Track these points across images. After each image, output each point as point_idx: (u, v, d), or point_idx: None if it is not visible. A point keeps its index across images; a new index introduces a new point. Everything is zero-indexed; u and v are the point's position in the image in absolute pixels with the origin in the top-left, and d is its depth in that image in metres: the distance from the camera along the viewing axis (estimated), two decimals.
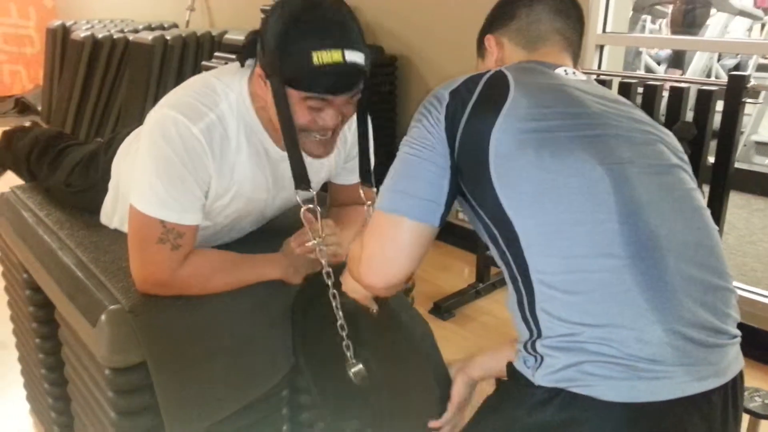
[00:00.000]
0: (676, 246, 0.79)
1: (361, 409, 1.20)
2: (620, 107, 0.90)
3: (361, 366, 1.12)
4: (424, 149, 0.86)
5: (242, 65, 1.14)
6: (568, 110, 0.85)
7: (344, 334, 1.09)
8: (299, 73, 1.01)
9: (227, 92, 1.11)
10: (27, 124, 1.82)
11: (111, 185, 1.35)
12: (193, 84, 1.14)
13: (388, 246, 0.86)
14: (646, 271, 0.76)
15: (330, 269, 1.10)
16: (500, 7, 1.05)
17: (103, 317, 1.08)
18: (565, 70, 0.94)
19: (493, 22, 1.05)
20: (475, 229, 0.89)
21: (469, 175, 0.85)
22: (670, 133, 0.92)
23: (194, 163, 1.07)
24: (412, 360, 1.03)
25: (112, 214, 1.36)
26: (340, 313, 1.09)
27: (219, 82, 1.12)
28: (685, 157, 0.91)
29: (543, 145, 0.81)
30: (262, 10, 3.42)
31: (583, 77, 0.96)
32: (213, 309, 1.16)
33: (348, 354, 1.10)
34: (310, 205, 1.12)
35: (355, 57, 1.02)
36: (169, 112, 1.07)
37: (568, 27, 1.01)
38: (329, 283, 1.09)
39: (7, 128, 1.75)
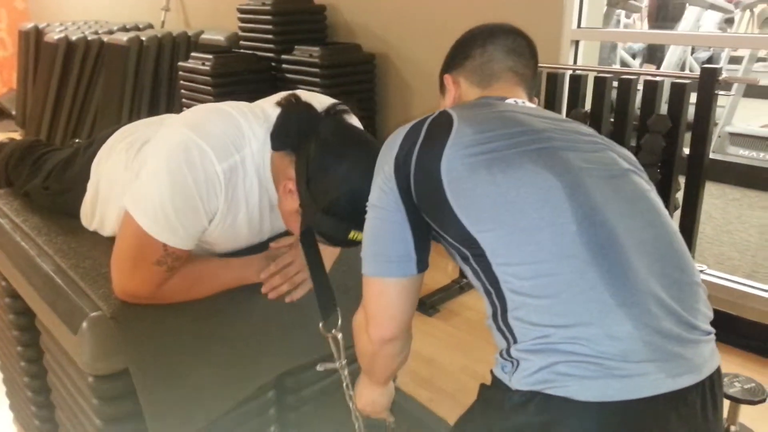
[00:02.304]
0: (635, 243, 0.81)
1: None
2: (567, 124, 0.95)
3: None
4: (380, 210, 0.92)
5: (274, 149, 1.12)
6: (512, 130, 0.89)
7: None
8: (330, 236, 1.08)
9: (251, 140, 1.10)
10: (2, 139, 1.78)
11: (90, 185, 1.33)
12: (219, 115, 1.11)
13: (381, 304, 0.95)
14: (609, 268, 0.78)
15: (351, 392, 1.17)
16: (457, 47, 1.10)
17: (84, 324, 1.07)
18: (515, 101, 1.00)
19: (451, 62, 1.10)
20: (450, 256, 0.93)
21: (429, 208, 0.88)
22: (622, 147, 0.96)
23: (209, 197, 1.07)
24: None
25: (92, 215, 1.34)
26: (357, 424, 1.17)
27: (247, 126, 1.11)
28: (638, 165, 0.94)
29: (492, 164, 0.84)
30: (239, 10, 3.40)
31: (533, 105, 1.02)
32: (195, 314, 1.16)
33: None
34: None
35: None
36: (195, 138, 1.05)
37: (521, 64, 1.06)
38: (351, 405, 1.18)
39: None
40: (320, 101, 1.18)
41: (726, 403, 1.28)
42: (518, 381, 0.78)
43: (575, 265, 0.78)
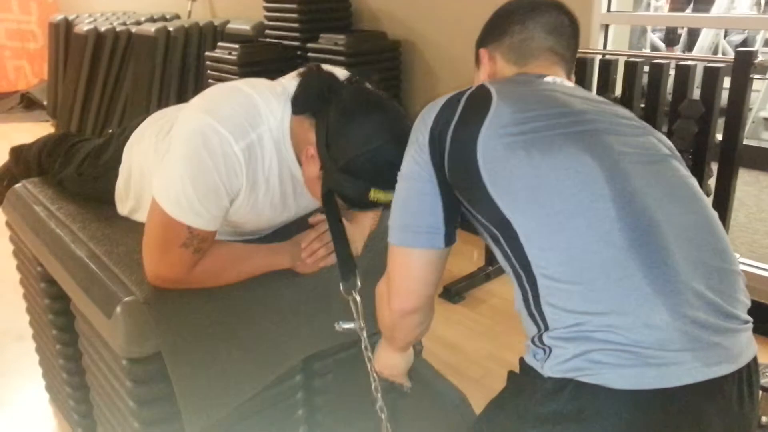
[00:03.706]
0: (675, 231, 0.79)
1: None
2: (606, 106, 0.92)
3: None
4: (412, 180, 0.91)
5: (295, 113, 1.13)
6: (552, 111, 0.86)
7: (383, 416, 1.15)
8: (350, 197, 1.07)
9: (269, 117, 1.11)
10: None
11: (122, 169, 1.36)
12: (234, 95, 1.12)
13: (405, 275, 0.94)
14: (647, 256, 0.76)
15: (368, 342, 1.15)
16: (494, 21, 1.06)
17: (118, 309, 1.09)
18: (554, 79, 0.96)
19: (487, 35, 1.06)
20: (480, 235, 0.91)
21: (463, 187, 0.87)
22: (659, 132, 0.93)
23: (230, 180, 1.08)
24: (447, 427, 1.05)
25: (126, 198, 1.37)
26: (379, 395, 1.15)
27: (263, 103, 1.11)
28: (676, 151, 0.92)
29: (531, 145, 0.82)
30: (265, 8, 3.40)
31: (571, 84, 0.98)
32: (226, 299, 1.18)
33: (382, 416, 1.15)
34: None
35: None
36: (212, 122, 1.06)
37: (561, 44, 1.01)
38: (369, 368, 1.16)
39: (13, 145, 1.76)
40: (341, 72, 1.19)
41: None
42: (551, 368, 0.77)
43: (612, 251, 0.76)
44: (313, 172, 1.10)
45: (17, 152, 1.74)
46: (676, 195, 0.83)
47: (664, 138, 0.93)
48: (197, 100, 1.14)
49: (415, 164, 0.90)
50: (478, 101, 0.87)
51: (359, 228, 1.31)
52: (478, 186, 0.83)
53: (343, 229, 1.15)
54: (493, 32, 1.04)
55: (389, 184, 0.98)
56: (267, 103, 1.12)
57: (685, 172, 0.88)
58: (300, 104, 1.11)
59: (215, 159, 1.06)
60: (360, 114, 1.06)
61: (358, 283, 1.17)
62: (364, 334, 1.18)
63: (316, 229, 1.25)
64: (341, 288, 1.17)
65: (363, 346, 1.18)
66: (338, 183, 1.06)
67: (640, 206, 0.79)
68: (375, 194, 1.04)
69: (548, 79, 0.96)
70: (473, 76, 1.09)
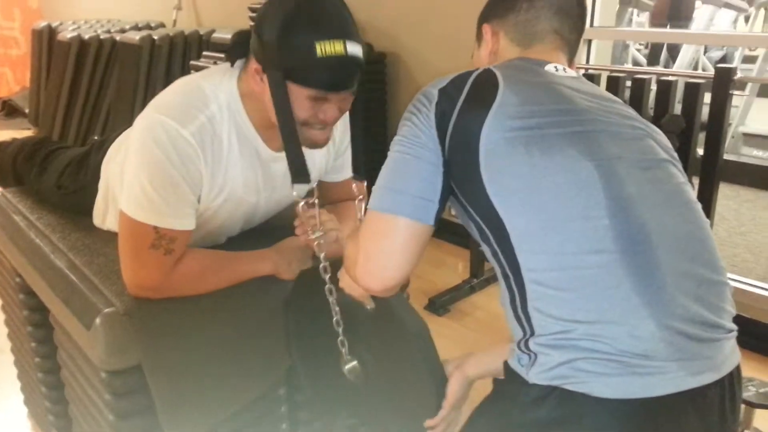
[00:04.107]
0: (667, 240, 0.79)
1: (355, 407, 1.21)
2: (608, 104, 0.90)
3: (355, 363, 1.12)
4: (415, 147, 0.86)
5: (232, 64, 1.14)
6: (556, 107, 0.85)
7: (340, 330, 1.10)
8: (301, 65, 1.00)
9: (216, 93, 1.11)
10: (8, 138, 1.79)
11: (101, 185, 1.34)
12: (180, 86, 1.13)
13: (383, 247, 0.85)
14: (638, 266, 0.77)
15: (327, 263, 1.07)
16: None
17: (98, 320, 1.07)
18: (556, 67, 0.94)
19: (492, 10, 1.03)
20: (467, 228, 0.89)
21: (459, 174, 0.85)
22: (659, 131, 0.93)
23: (187, 167, 1.07)
24: (408, 357, 1.03)
25: (104, 214, 1.36)
26: (336, 308, 1.09)
27: (207, 83, 1.11)
28: (674, 154, 0.91)
29: (532, 143, 0.81)
30: (251, 9, 3.41)
31: (573, 74, 0.96)
32: (207, 309, 1.16)
33: (343, 350, 1.11)
34: (310, 199, 1.11)
35: (355, 49, 1.03)
36: (158, 116, 1.06)
37: (567, 27, 0.99)
38: (326, 278, 1.07)
39: None
40: None
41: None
42: (536, 375, 0.77)
43: (603, 260, 0.76)
44: (265, 88, 1.04)
45: None
46: (670, 203, 0.83)
47: (664, 139, 0.92)
48: (149, 104, 1.14)
49: (420, 132, 0.86)
50: (485, 86, 0.85)
51: (342, 226, 1.28)
52: (475, 177, 0.81)
53: (293, 121, 1.06)
54: (499, 6, 1.01)
55: (330, 31, 0.97)
56: (211, 81, 1.12)
57: (682, 178, 0.88)
58: (235, 51, 1.11)
59: (166, 151, 1.05)
60: (274, 2, 1.03)
61: (315, 189, 1.12)
62: (322, 256, 1.08)
63: (301, 216, 1.16)
64: (293, 192, 1.11)
65: (321, 267, 1.07)
66: (281, 62, 1.00)
67: (634, 214, 0.79)
68: (321, 47, 0.98)
69: (550, 67, 0.93)
70: (473, 54, 1.06)
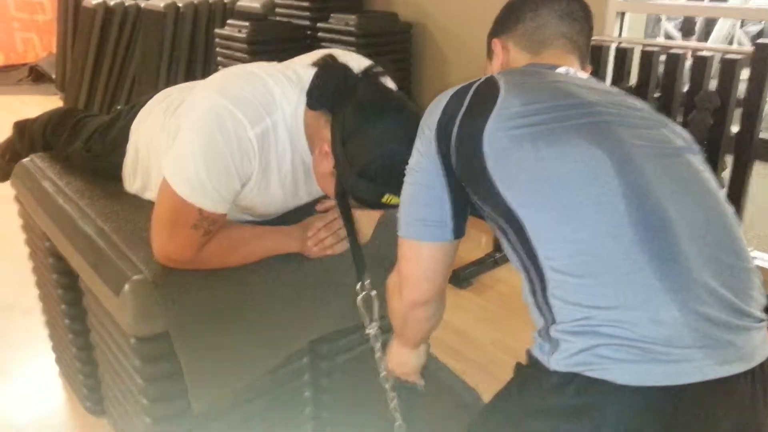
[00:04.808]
0: (687, 226, 0.78)
1: None
2: (619, 98, 0.90)
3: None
4: (419, 174, 0.91)
5: (310, 107, 1.11)
6: (562, 102, 0.85)
7: (398, 417, 1.18)
8: (364, 200, 1.08)
9: (284, 104, 1.10)
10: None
11: (130, 146, 1.35)
12: (250, 79, 1.10)
13: (415, 267, 0.96)
14: (658, 251, 0.75)
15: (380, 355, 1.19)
16: (507, 10, 1.05)
17: (126, 287, 1.09)
18: (567, 70, 0.95)
19: (500, 25, 1.05)
20: (490, 227, 0.90)
21: (470, 180, 0.86)
22: (673, 122, 0.91)
23: (243, 163, 1.07)
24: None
25: (133, 176, 1.36)
26: (391, 390, 1.18)
27: (278, 90, 1.10)
28: (694, 144, 0.89)
29: (538, 137, 0.81)
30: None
31: (584, 76, 0.96)
32: (234, 279, 1.17)
33: (397, 416, 1.18)
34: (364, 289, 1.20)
35: None
36: (227, 104, 1.05)
37: (575, 30, 1.00)
38: (381, 366, 1.18)
39: (17, 119, 1.75)
40: (357, 62, 1.17)
41: None
42: (557, 362, 0.76)
43: (620, 245, 0.75)
44: (326, 169, 1.09)
45: (21, 127, 1.72)
46: (689, 190, 0.82)
47: (680, 129, 0.90)
48: (211, 81, 1.12)
49: (422, 157, 0.90)
50: (486, 93, 0.86)
51: (367, 216, 1.29)
52: (485, 179, 0.82)
53: (355, 229, 1.16)
54: (506, 22, 1.04)
55: (400, 186, 0.98)
56: (282, 90, 1.10)
57: (700, 166, 0.86)
58: (315, 100, 1.10)
59: (229, 143, 1.04)
60: (376, 115, 1.05)
61: (368, 279, 1.19)
62: (378, 343, 1.21)
63: (322, 217, 1.24)
64: (357, 287, 1.19)
65: (376, 347, 1.20)
66: (353, 186, 1.06)
67: (651, 200, 0.78)
68: (388, 198, 1.04)
69: (560, 70, 0.94)
70: (485, 69, 1.07)
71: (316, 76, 1.10)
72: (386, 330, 1.18)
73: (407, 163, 0.96)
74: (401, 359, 1.17)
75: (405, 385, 1.17)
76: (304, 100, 1.11)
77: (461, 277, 2.41)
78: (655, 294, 0.74)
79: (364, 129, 1.04)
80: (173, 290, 1.11)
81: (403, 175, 0.96)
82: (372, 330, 1.20)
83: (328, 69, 1.11)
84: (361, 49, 2.96)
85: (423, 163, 0.90)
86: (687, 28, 4.85)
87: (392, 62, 3.10)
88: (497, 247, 2.54)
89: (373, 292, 1.19)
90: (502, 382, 0.88)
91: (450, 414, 1.08)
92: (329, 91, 1.08)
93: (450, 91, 0.91)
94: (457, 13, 3.00)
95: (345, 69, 1.11)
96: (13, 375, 1.88)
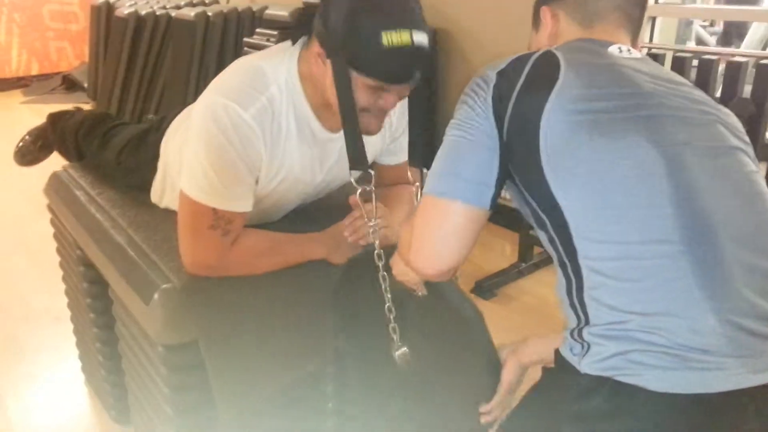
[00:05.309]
0: (734, 232, 0.76)
1: (404, 391, 1.21)
2: (676, 87, 0.86)
3: (406, 349, 1.12)
4: (472, 130, 0.84)
5: (293, 43, 1.12)
6: (621, 91, 0.82)
7: (391, 316, 1.10)
8: (366, 55, 0.98)
9: (276, 74, 1.10)
10: (71, 107, 1.86)
11: (160, 164, 1.37)
12: (240, 67, 1.13)
13: (439, 231, 0.84)
14: (702, 258, 0.74)
15: (381, 251, 1.09)
16: None
17: (156, 296, 1.10)
18: (620, 48, 0.90)
19: None
20: (522, 212, 0.88)
21: (518, 159, 0.83)
22: (731, 113, 0.88)
23: (247, 150, 1.07)
24: (463, 342, 1.03)
25: (161, 194, 1.38)
26: (389, 295, 1.09)
27: (267, 64, 1.11)
28: (746, 138, 0.87)
29: (595, 127, 0.78)
30: None
31: (638, 55, 0.92)
32: (261, 288, 1.18)
33: (394, 337, 1.11)
34: (366, 187, 1.11)
35: (422, 39, 1.00)
36: (219, 98, 1.06)
37: (630, 2, 0.95)
38: (380, 264, 1.08)
39: (52, 111, 1.80)
40: None
41: None
42: (588, 365, 0.75)
43: (666, 251, 0.74)
44: (327, 72, 1.04)
45: (55, 119, 1.77)
46: (739, 193, 0.79)
47: (735, 123, 0.87)
48: (209, 84, 1.14)
49: (476, 115, 0.84)
50: (546, 69, 0.82)
51: (395, 214, 1.28)
52: (535, 162, 0.79)
53: (356, 115, 1.06)
54: None
55: (397, 20, 0.94)
56: (270, 62, 1.11)
57: (752, 166, 0.84)
58: (297, 31, 1.09)
59: (227, 134, 1.05)
60: None
61: (373, 178, 1.12)
62: (376, 243, 1.11)
63: (357, 210, 1.21)
64: (351, 178, 1.12)
65: (375, 254, 1.11)
66: (347, 52, 0.99)
67: (699, 204, 0.76)
68: (387, 37, 0.95)
69: (613, 48, 0.89)
70: (531, 39, 1.03)
71: (294, 20, 1.11)
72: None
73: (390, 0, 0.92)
74: (404, 269, 1.07)
75: (406, 293, 1.08)
76: (295, 61, 1.11)
77: (485, 287, 2.39)
78: (695, 302, 0.73)
79: (342, 3, 1.00)
80: (202, 299, 1.12)
81: (392, 10, 0.93)
82: (372, 225, 1.12)
83: (302, 10, 1.11)
84: None
85: (475, 120, 0.84)
86: (727, 34, 4.76)
87: None
88: (522, 257, 2.51)
89: (371, 188, 1.11)
90: None
91: (449, 327, 1.05)
92: (306, 16, 1.08)
93: (506, 59, 0.86)
94: (481, 18, 2.98)
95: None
96: (40, 381, 1.91)
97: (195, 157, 1.08)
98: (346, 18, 0.98)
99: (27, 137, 1.86)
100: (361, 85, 1.02)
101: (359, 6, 0.98)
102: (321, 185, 1.28)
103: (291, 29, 1.12)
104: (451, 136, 0.86)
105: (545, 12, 0.98)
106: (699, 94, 0.88)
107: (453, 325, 1.04)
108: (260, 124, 1.07)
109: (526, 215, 0.87)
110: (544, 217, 0.81)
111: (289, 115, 1.12)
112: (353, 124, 1.05)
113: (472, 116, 0.85)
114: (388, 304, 1.09)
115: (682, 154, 0.78)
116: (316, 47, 1.05)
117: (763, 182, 0.83)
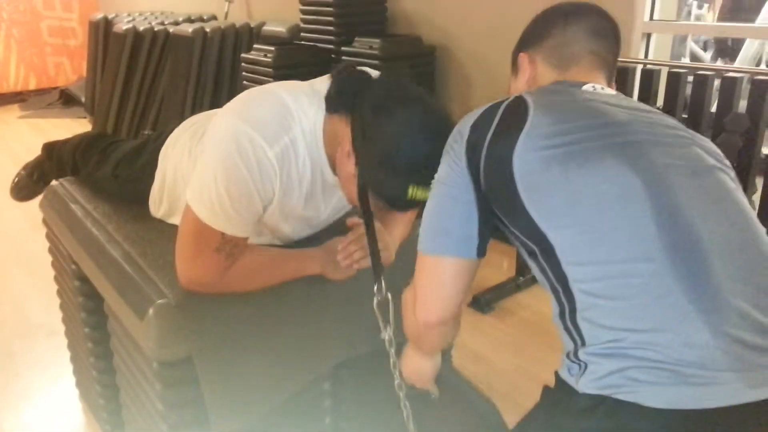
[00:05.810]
0: (719, 247, 0.76)
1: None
2: (649, 115, 0.89)
3: None
4: (448, 186, 0.89)
5: (329, 112, 1.11)
6: (593, 122, 0.84)
7: (405, 413, 1.13)
8: (388, 192, 1.05)
9: (302, 117, 1.10)
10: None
11: (158, 173, 1.36)
12: (267, 98, 1.11)
13: (434, 285, 0.92)
14: (689, 273, 0.74)
15: (392, 336, 1.13)
16: (535, 24, 1.04)
17: (151, 311, 1.09)
18: (593, 86, 0.93)
19: (527, 40, 1.03)
20: (516, 248, 0.90)
21: (499, 200, 0.85)
22: (707, 139, 0.90)
23: (264, 185, 1.07)
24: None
25: (159, 202, 1.38)
26: (407, 403, 1.13)
27: (295, 105, 1.10)
28: (726, 161, 0.88)
29: (569, 159, 0.80)
30: (301, 2, 3.41)
31: (612, 92, 0.95)
32: (257, 304, 1.17)
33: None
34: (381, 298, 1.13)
35: None
36: (245, 128, 1.05)
37: (603, 47, 0.98)
38: (396, 373, 1.13)
39: (46, 141, 1.79)
40: (375, 73, 1.18)
41: None
42: (586, 384, 0.75)
43: (653, 268, 0.74)
44: (349, 170, 1.08)
45: (50, 148, 1.77)
46: (720, 210, 0.80)
47: (712, 146, 0.89)
48: (231, 105, 1.13)
49: (452, 171, 0.89)
50: (515, 113, 0.85)
51: (392, 235, 1.29)
52: (514, 199, 0.81)
53: (375, 233, 1.12)
54: (533, 36, 1.02)
55: (427, 180, 0.96)
56: (299, 104, 1.11)
57: (733, 184, 0.85)
58: (334, 101, 1.09)
59: (249, 167, 1.05)
60: (396, 106, 1.04)
61: (384, 286, 1.14)
62: (392, 348, 1.16)
63: (353, 232, 1.24)
64: (374, 289, 1.15)
65: (390, 351, 1.15)
66: (374, 179, 1.03)
67: (683, 222, 0.77)
68: (413, 191, 1.01)
69: (587, 87, 0.93)
70: (510, 84, 1.06)
71: (335, 81, 1.11)
72: (401, 334, 1.15)
73: (429, 152, 0.94)
74: (415, 367, 1.13)
75: (419, 393, 1.12)
76: (322, 111, 1.11)
77: (483, 302, 2.38)
78: (687, 317, 0.73)
79: (382, 120, 1.03)
80: (197, 315, 1.11)
81: (427, 164, 0.94)
82: (387, 335, 1.15)
83: (346, 72, 1.12)
84: (385, 71, 2.97)
85: (452, 177, 0.89)
86: (722, 49, 4.80)
87: (416, 85, 3.11)
88: (520, 272, 2.51)
89: (389, 295, 1.14)
90: (525, 410, 0.86)
91: (465, 425, 1.05)
92: (348, 90, 1.08)
93: (479, 110, 0.90)
94: (480, 36, 3.01)
95: (362, 71, 1.12)
96: (34, 396, 1.89)
97: (211, 178, 1.06)
98: (384, 151, 1.02)
99: (22, 171, 1.85)
100: (377, 202, 1.08)
101: (400, 146, 1.01)
102: (324, 220, 1.28)
103: (328, 99, 1.10)
104: (433, 194, 0.92)
105: (523, 58, 1.02)
106: (672, 120, 0.90)
107: (468, 421, 1.05)
108: (281, 163, 1.08)
109: (519, 250, 0.89)
110: (533, 246, 0.83)
111: (306, 160, 1.12)
112: (374, 235, 1.11)
113: (449, 173, 0.89)
114: (406, 413, 1.13)
115: (663, 174, 0.80)
116: (347, 142, 1.07)
117: (743, 199, 0.84)
